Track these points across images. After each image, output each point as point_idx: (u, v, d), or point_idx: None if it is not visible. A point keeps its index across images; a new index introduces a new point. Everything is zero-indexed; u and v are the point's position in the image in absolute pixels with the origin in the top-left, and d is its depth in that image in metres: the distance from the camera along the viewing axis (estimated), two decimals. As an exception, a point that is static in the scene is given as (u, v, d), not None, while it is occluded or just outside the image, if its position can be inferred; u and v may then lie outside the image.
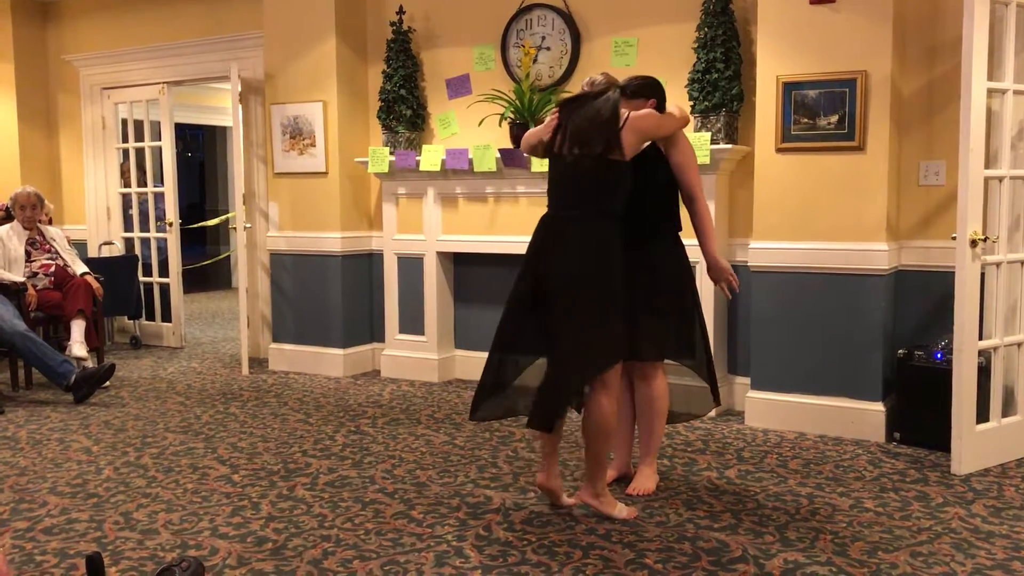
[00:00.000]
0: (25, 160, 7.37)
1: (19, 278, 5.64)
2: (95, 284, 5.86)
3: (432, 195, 5.59)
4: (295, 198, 6.04)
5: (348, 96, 5.87)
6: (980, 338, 3.86)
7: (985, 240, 3.77)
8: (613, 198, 3.22)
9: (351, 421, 4.74)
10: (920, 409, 4.12)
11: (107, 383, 5.46)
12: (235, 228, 6.47)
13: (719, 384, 3.70)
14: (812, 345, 4.42)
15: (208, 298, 10.65)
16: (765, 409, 4.53)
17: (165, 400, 5.27)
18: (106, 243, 7.36)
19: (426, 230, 5.65)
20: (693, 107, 4.64)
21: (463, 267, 5.75)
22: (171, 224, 6.94)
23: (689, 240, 3.50)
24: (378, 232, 6.01)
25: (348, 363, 5.97)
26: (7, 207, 6.06)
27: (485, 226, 5.44)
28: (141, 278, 7.15)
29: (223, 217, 11.44)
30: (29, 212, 5.85)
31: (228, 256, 11.50)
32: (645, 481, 3.56)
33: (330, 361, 5.97)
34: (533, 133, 3.44)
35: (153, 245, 7.24)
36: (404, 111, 5.59)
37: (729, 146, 4.58)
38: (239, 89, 6.15)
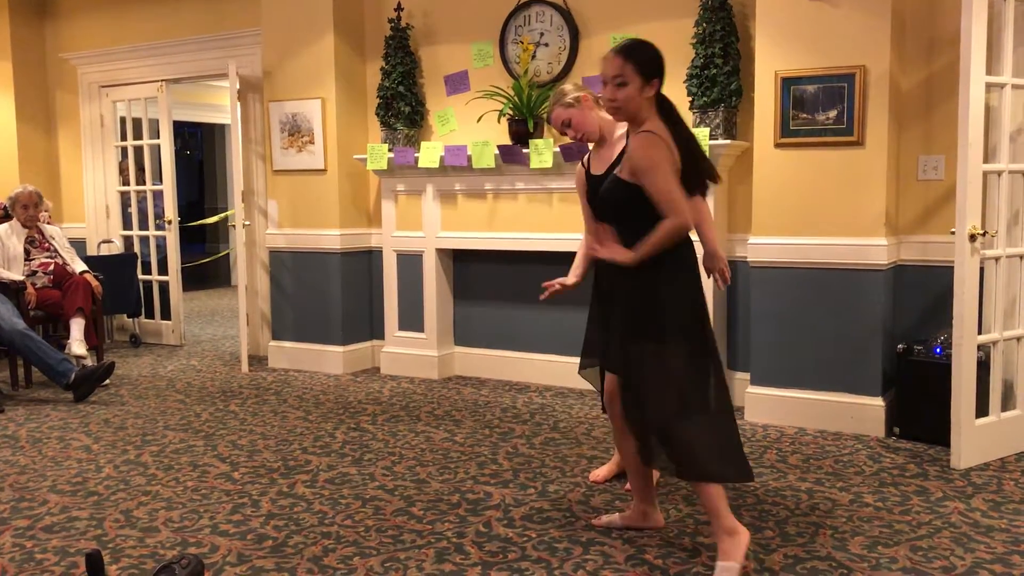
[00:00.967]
0: (24, 159, 7.36)
1: (18, 276, 5.64)
2: (94, 282, 5.86)
3: (431, 192, 5.59)
4: (294, 195, 6.04)
5: (346, 93, 5.86)
6: (979, 332, 3.87)
7: (984, 234, 3.77)
8: None
9: (351, 418, 4.74)
10: (920, 404, 4.13)
11: (107, 381, 5.46)
12: (234, 226, 6.47)
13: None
14: (811, 340, 4.42)
15: (207, 296, 10.65)
16: (765, 404, 4.53)
17: (165, 398, 5.27)
18: (105, 241, 7.36)
19: (425, 227, 5.65)
20: (692, 103, 4.64)
21: (462, 264, 5.75)
22: (170, 222, 6.94)
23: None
24: (377, 229, 6.01)
25: (348, 360, 5.97)
26: (6, 206, 6.05)
27: (484, 223, 5.44)
28: (140, 276, 7.15)
29: (222, 215, 11.44)
30: (32, 211, 5.85)
31: (227, 254, 11.50)
32: None
33: (330, 358, 5.97)
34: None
35: (152, 243, 7.23)
36: (403, 108, 5.59)
37: (728, 142, 4.58)
38: (237, 86, 6.14)
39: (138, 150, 7.24)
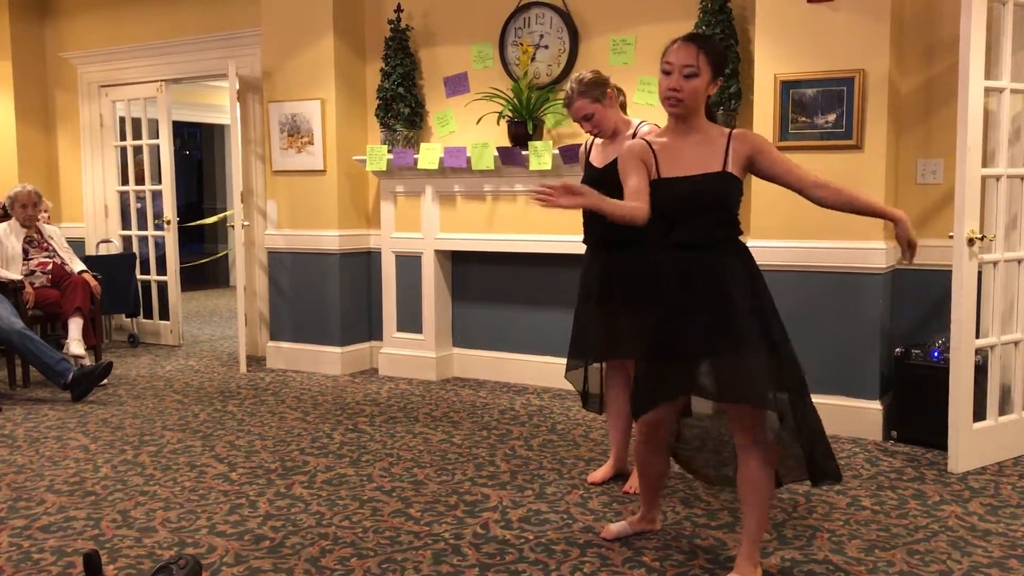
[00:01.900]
0: (23, 158, 7.36)
1: (17, 276, 5.64)
2: (93, 282, 5.86)
3: (430, 193, 5.59)
4: (293, 196, 6.04)
5: (346, 94, 5.87)
6: (977, 336, 3.87)
7: (982, 238, 3.77)
8: None
9: (349, 419, 4.74)
10: (917, 407, 4.13)
11: (105, 381, 5.46)
12: (233, 226, 6.47)
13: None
14: (809, 344, 4.40)
15: (206, 296, 10.65)
16: (762, 407, 4.53)
17: (163, 398, 5.27)
18: (104, 241, 7.36)
19: (424, 228, 5.65)
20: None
21: (461, 265, 5.75)
22: (169, 222, 6.94)
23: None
24: (376, 230, 6.01)
25: (346, 361, 5.97)
26: (5, 205, 6.05)
27: (483, 224, 5.44)
28: (139, 276, 7.15)
29: (221, 215, 11.43)
30: (30, 211, 5.85)
31: (226, 254, 11.49)
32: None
33: (328, 359, 5.97)
34: None
35: (151, 243, 7.23)
36: (402, 109, 5.59)
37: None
38: (237, 87, 6.14)
39: (137, 150, 7.24)
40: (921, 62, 4.36)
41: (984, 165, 3.81)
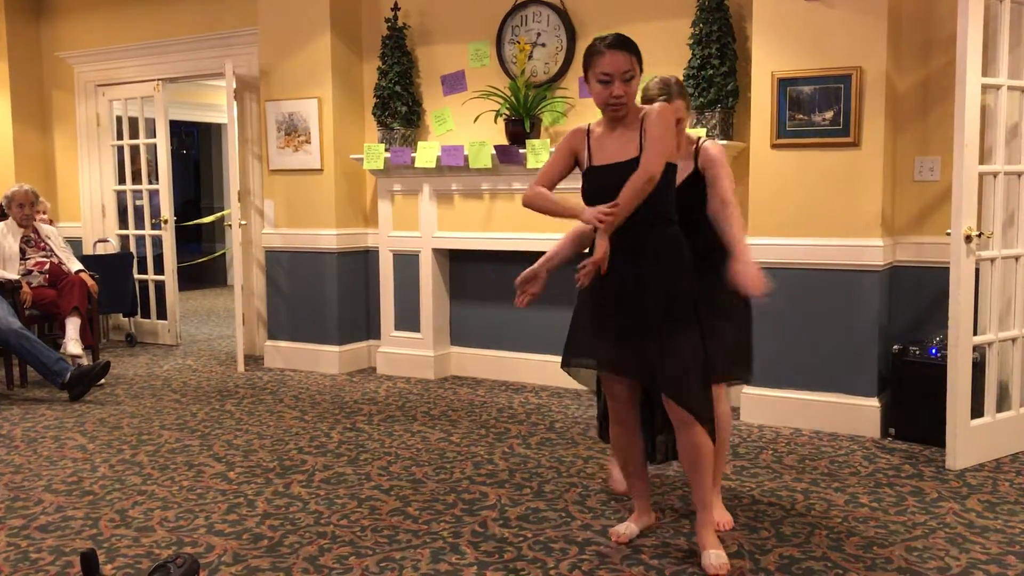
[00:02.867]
0: (19, 158, 7.35)
1: (14, 276, 5.63)
2: (90, 281, 5.85)
3: (428, 192, 5.59)
4: (290, 195, 6.04)
5: (343, 93, 5.86)
6: (975, 333, 3.87)
7: (980, 236, 3.78)
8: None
9: (347, 418, 4.74)
10: (915, 405, 4.14)
11: (102, 381, 5.45)
12: (230, 225, 6.46)
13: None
14: (807, 341, 4.42)
15: (203, 295, 10.64)
16: (760, 405, 4.53)
17: (160, 398, 5.27)
18: (101, 240, 7.35)
19: (422, 227, 5.64)
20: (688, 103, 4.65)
21: (459, 264, 5.75)
22: (166, 221, 6.93)
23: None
24: (374, 229, 6.01)
25: (344, 360, 5.96)
26: (2, 205, 6.04)
27: (481, 223, 5.44)
28: (136, 275, 7.15)
29: (218, 214, 11.42)
30: (27, 210, 5.84)
31: (223, 253, 11.48)
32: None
33: (326, 358, 5.96)
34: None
35: (148, 242, 7.22)
36: (399, 108, 5.59)
37: (724, 142, 4.58)
38: (234, 86, 6.13)
39: (134, 149, 7.23)
40: (918, 59, 4.36)
41: (981, 162, 3.81)
